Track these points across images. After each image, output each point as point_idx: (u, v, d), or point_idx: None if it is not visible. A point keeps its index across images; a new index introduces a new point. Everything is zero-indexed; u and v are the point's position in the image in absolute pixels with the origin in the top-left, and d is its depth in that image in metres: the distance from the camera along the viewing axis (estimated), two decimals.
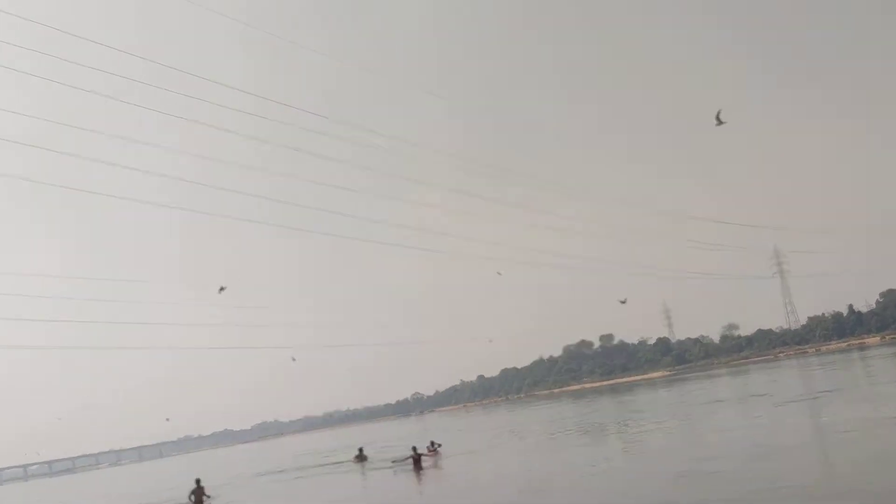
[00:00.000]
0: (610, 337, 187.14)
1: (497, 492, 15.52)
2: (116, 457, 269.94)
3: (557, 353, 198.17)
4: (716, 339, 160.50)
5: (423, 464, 24.12)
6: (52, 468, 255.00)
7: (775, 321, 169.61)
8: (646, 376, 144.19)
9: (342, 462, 34.00)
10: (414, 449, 25.03)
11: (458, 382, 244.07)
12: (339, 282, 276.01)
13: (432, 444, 29.46)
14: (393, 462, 26.06)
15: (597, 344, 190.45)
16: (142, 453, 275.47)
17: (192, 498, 22.91)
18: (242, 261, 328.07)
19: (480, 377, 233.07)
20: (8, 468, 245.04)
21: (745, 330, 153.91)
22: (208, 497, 23.27)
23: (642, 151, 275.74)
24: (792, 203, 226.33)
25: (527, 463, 21.40)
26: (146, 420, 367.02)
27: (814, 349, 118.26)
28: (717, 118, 36.01)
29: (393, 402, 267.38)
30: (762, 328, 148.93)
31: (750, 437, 17.85)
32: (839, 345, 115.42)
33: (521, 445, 29.41)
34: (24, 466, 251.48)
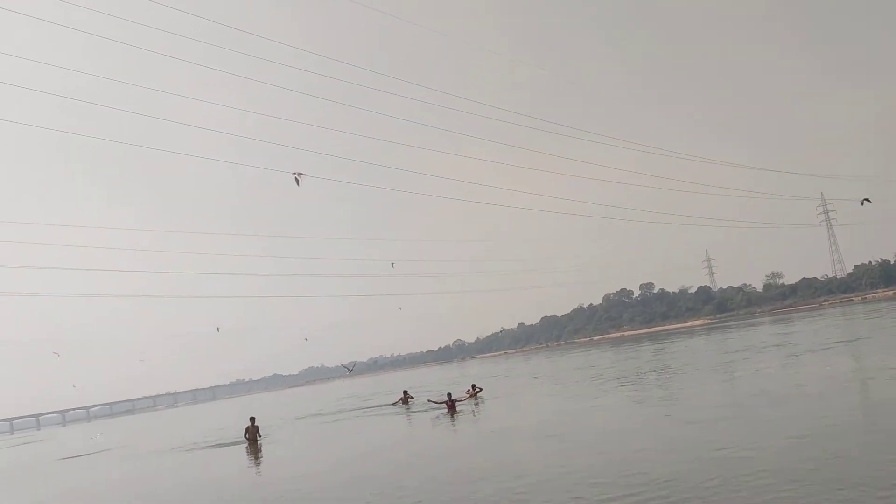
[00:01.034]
0: (650, 286, 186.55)
1: (516, 436, 16.81)
2: (173, 399, 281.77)
3: (598, 301, 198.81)
4: (759, 287, 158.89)
5: (458, 407, 25.58)
6: (113, 409, 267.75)
7: (821, 270, 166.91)
8: (686, 324, 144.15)
9: (386, 405, 35.75)
10: (448, 395, 26.49)
11: (499, 330, 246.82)
12: (387, 233, 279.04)
13: (473, 387, 30.83)
14: (429, 401, 27.62)
15: (637, 293, 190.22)
16: (196, 396, 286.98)
17: (247, 435, 24.78)
18: (299, 213, 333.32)
19: (521, 325, 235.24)
20: (72, 409, 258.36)
21: (790, 279, 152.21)
22: (261, 435, 25.19)
23: (685, 103, 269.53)
24: (839, 151, 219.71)
25: (546, 407, 22.88)
26: (202, 366, 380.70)
27: (860, 297, 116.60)
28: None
29: (435, 348, 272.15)
30: (807, 277, 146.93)
31: (748, 387, 18.91)
32: (886, 293, 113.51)
33: (548, 390, 30.94)
34: (87, 408, 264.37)
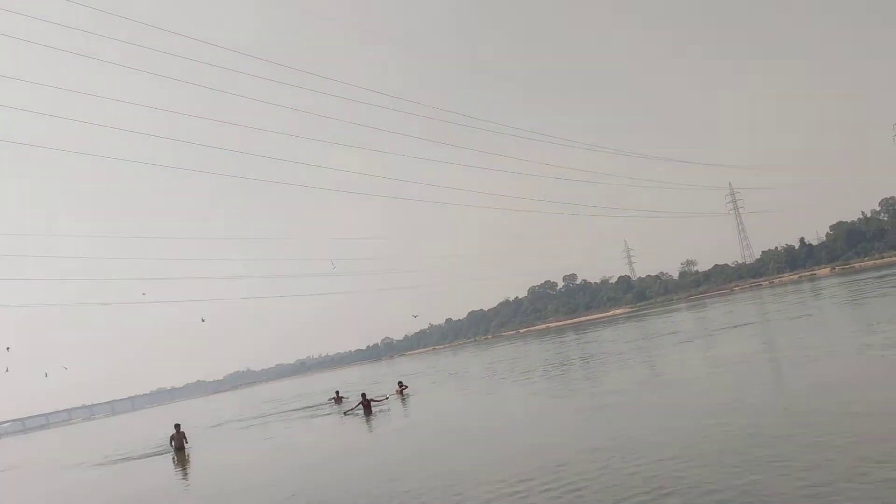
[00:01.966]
0: (573, 277, 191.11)
1: (420, 434, 17.20)
2: (90, 411, 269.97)
3: (523, 294, 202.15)
4: (675, 275, 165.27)
5: (373, 408, 25.60)
6: (26, 425, 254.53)
7: (731, 256, 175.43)
8: (608, 314, 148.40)
9: (312, 406, 35.88)
10: (363, 395, 26.62)
11: (426, 326, 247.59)
12: (298, 231, 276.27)
13: (400, 384, 32.02)
14: (345, 414, 26.77)
15: (560, 284, 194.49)
16: (114, 407, 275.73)
17: (173, 443, 24.10)
18: (202, 212, 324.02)
19: (448, 320, 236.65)
20: None
21: (703, 266, 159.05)
22: (188, 442, 24.55)
23: (597, 97, 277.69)
24: (744, 142, 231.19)
25: (455, 402, 23.61)
26: (118, 375, 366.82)
27: (767, 282, 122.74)
28: None
29: (364, 347, 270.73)
30: (718, 263, 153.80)
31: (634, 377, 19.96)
32: (791, 277, 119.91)
33: (468, 385, 31.70)
34: None
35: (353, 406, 27.15)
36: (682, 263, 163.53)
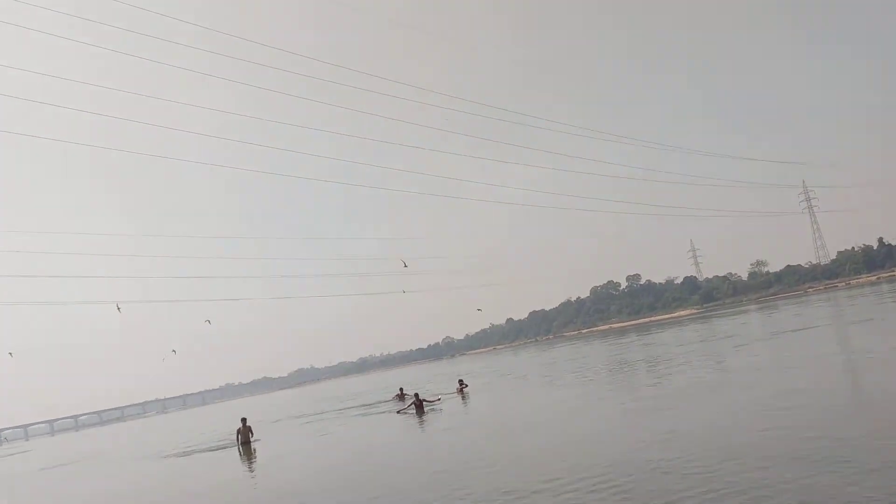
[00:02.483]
0: (637, 277, 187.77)
1: (469, 432, 17.06)
2: (163, 405, 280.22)
3: (585, 294, 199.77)
4: (744, 276, 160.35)
5: (425, 407, 25.60)
6: (102, 417, 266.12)
7: (805, 257, 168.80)
8: (673, 315, 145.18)
9: (373, 403, 36.29)
10: (416, 395, 26.79)
11: (487, 326, 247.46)
12: (373, 231, 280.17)
13: (461, 382, 32.53)
14: (398, 413, 26.78)
15: (624, 285, 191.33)
16: (186, 401, 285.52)
17: (239, 437, 24.80)
18: (282, 212, 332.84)
19: (510, 320, 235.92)
20: (61, 419, 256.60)
21: (774, 266, 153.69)
22: (253, 436, 25.21)
23: (666, 92, 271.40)
24: (819, 138, 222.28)
25: (514, 403, 23.27)
26: (190, 371, 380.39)
27: (844, 283, 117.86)
28: None
29: (425, 346, 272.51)
30: (791, 264, 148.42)
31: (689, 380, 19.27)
32: (869, 278, 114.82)
33: (524, 385, 31.45)
34: (75, 417, 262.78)
35: (406, 405, 27.37)
36: (751, 264, 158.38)
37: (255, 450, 23.19)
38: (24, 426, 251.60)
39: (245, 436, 24.58)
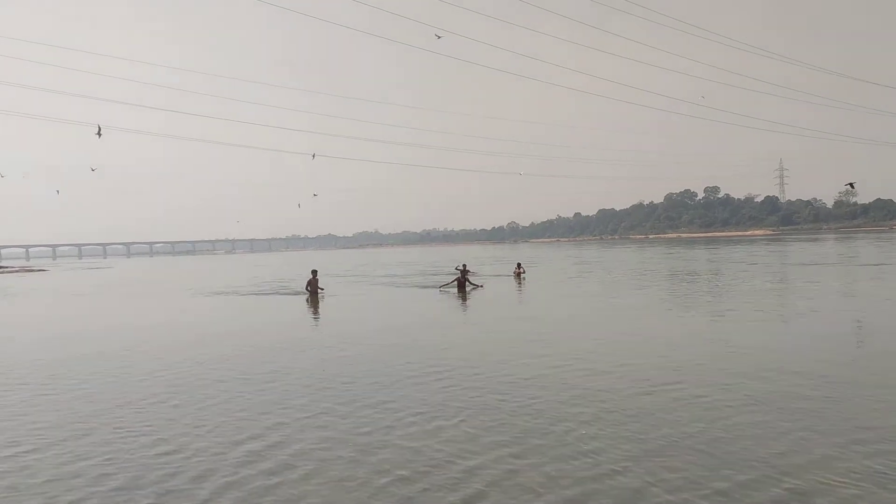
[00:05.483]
0: (715, 189, 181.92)
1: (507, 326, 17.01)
2: (231, 245, 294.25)
3: (659, 199, 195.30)
4: (829, 203, 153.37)
5: (467, 287, 25.29)
6: (175, 248, 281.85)
7: None
8: (746, 233, 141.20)
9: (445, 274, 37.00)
10: (464, 267, 26.93)
11: (554, 217, 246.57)
12: (455, 105, 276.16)
13: (518, 265, 33.22)
14: (440, 289, 26.62)
15: (700, 195, 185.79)
16: (253, 245, 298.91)
17: (308, 287, 25.98)
18: (353, 72, 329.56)
19: (577, 214, 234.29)
20: (136, 243, 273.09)
21: (864, 198, 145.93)
22: (321, 289, 26.30)
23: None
24: None
25: (552, 299, 23.00)
26: (253, 217, 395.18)
27: None
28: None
29: (489, 228, 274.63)
30: (882, 198, 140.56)
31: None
32: None
33: (581, 280, 31.19)
34: (150, 244, 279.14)
35: (449, 282, 27.00)
36: (839, 193, 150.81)
37: (322, 297, 24.41)
38: (104, 244, 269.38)
39: (314, 287, 25.67)
